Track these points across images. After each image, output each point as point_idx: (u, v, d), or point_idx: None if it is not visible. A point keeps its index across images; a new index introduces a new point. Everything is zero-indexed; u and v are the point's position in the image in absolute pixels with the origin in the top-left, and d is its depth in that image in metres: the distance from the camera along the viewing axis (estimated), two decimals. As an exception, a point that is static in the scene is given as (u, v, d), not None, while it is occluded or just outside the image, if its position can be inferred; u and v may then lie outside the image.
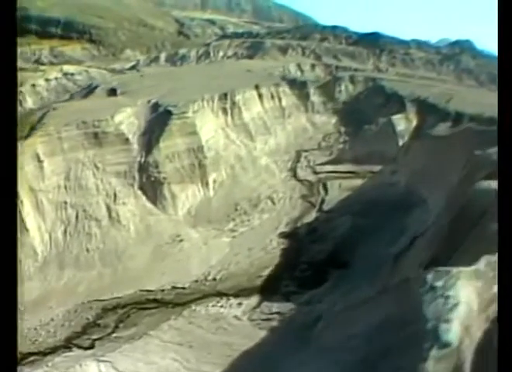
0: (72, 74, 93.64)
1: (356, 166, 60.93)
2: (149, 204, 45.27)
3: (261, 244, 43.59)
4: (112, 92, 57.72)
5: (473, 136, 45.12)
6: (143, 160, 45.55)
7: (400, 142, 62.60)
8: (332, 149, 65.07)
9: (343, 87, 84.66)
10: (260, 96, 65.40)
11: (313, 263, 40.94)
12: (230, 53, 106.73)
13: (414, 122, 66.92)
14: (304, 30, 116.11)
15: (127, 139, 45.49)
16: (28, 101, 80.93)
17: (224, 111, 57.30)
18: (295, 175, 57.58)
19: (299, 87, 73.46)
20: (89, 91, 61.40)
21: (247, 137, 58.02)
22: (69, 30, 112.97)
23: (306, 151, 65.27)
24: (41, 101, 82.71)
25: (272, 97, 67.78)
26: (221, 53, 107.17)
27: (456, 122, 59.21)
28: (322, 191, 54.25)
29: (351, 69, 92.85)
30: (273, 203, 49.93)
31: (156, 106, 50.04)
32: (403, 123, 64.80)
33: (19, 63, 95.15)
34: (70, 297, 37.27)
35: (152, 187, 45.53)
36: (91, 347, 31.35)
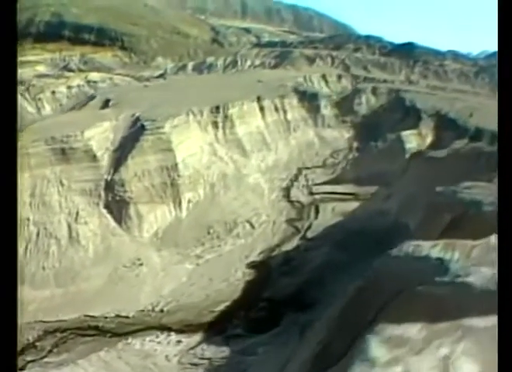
0: (95, 82, 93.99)
1: (357, 187, 55.07)
2: (113, 224, 42.37)
3: (224, 274, 39.40)
4: (106, 104, 56.31)
5: (473, 158, 38.89)
6: (110, 177, 43.30)
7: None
8: (337, 168, 59.63)
9: (363, 100, 78.71)
10: (261, 109, 60.90)
11: (274, 300, 36.11)
12: (257, 62, 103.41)
13: (429, 139, 60.23)
14: (338, 40, 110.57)
15: (95, 156, 42.52)
16: (46, 108, 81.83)
17: (215, 125, 53.36)
18: (287, 195, 52.73)
19: (309, 99, 68.45)
20: (86, 102, 60.50)
21: (239, 153, 53.92)
22: (102, 37, 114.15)
23: (307, 168, 60.12)
24: (60, 109, 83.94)
25: (276, 109, 63.18)
26: (248, 62, 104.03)
27: (474, 139, 52.14)
28: (312, 215, 49.09)
29: (379, 80, 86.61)
30: (252, 227, 45.60)
31: (137, 120, 47.62)
32: (415, 140, 58.14)
33: (46, 70, 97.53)
34: (19, 315, 35.64)
35: (118, 206, 42.32)
36: (23, 369, 29.77)
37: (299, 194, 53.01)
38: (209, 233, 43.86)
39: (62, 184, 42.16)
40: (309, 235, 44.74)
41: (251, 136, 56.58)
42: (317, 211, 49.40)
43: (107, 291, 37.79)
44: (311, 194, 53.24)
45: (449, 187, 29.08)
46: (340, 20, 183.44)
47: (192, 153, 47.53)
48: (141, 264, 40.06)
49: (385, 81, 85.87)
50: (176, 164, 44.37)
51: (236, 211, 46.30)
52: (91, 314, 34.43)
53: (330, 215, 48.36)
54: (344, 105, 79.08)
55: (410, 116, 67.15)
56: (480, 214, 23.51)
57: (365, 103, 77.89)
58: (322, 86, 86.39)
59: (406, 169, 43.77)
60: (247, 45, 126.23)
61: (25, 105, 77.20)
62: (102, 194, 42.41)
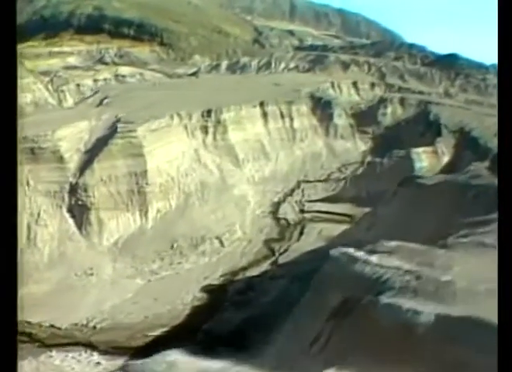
0: (124, 76, 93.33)
1: (355, 208, 49.41)
2: (73, 230, 40.04)
3: (173, 296, 35.96)
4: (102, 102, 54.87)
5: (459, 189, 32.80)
6: (75, 180, 41.38)
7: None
8: (341, 183, 54.34)
9: (389, 110, 72.33)
10: (264, 114, 56.82)
11: (213, 334, 32.61)
12: (292, 65, 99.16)
13: (445, 158, 53.31)
14: (380, 47, 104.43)
15: (62, 157, 40.20)
16: (68, 101, 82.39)
17: (204, 129, 49.82)
18: (275, 211, 48.64)
19: (322, 107, 63.35)
20: (87, 98, 59.57)
21: (230, 161, 50.15)
22: (141, 32, 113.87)
23: (308, 182, 55.24)
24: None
25: (282, 116, 58.60)
26: (283, 65, 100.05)
27: (495, 162, 45.27)
28: (295, 237, 44.42)
29: (414, 91, 79.75)
30: (221, 245, 41.85)
31: (117, 122, 45.12)
32: (427, 158, 51.53)
33: (77, 61, 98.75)
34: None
35: (80, 211, 40.29)
36: None
37: (288, 210, 48.47)
38: (172, 248, 40.79)
39: (28, 184, 40.90)
40: (282, 260, 40.28)
41: (247, 144, 52.63)
42: (301, 233, 44.71)
43: (52, 298, 35.91)
44: (302, 211, 48.55)
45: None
46: (389, 27, 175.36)
47: (170, 158, 44.50)
48: (91, 274, 37.89)
49: (420, 93, 78.82)
50: (145, 171, 41.42)
51: (209, 226, 42.81)
52: (30, 320, 32.77)
53: (314, 238, 43.52)
54: (368, 114, 73.34)
55: (432, 131, 60.61)
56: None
57: (390, 114, 71.66)
58: (351, 93, 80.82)
59: (395, 195, 38.20)
60: (289, 47, 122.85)
61: (45, 96, 78.42)
62: (66, 197, 40.51)
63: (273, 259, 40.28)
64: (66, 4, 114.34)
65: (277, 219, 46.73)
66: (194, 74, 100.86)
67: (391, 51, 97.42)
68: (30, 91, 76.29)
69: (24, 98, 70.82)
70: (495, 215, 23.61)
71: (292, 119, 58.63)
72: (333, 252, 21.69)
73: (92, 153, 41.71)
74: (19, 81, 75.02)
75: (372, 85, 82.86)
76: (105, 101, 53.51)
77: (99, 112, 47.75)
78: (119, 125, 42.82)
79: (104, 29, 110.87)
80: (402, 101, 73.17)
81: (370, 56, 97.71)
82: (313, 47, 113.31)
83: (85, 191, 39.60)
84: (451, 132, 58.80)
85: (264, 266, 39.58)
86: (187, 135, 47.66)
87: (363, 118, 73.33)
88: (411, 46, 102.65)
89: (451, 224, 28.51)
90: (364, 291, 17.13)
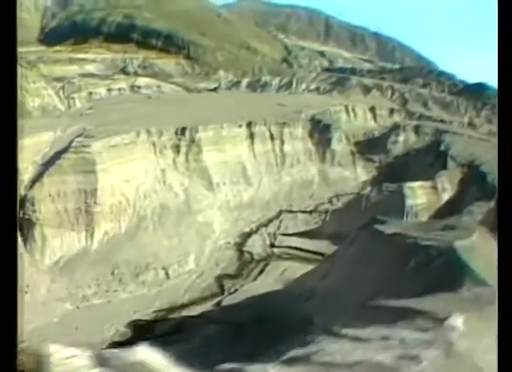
0: (139, 87, 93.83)
1: (332, 246, 45.04)
2: (19, 244, 39.29)
3: (95, 327, 33.01)
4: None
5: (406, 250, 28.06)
6: (25, 193, 40.00)
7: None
8: (327, 216, 49.92)
9: (401, 138, 67.13)
10: (251, 135, 53.94)
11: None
12: (312, 86, 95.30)
13: (446, 195, 47.65)
14: (408, 73, 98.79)
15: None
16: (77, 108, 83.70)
17: (176, 148, 47.09)
18: (242, 243, 44.94)
19: (320, 131, 59.24)
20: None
21: (202, 185, 47.33)
22: (169, 44, 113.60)
23: (290, 212, 50.96)
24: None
25: (272, 138, 54.91)
26: (303, 85, 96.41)
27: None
28: (253, 275, 40.15)
29: (435, 119, 74.21)
30: (167, 276, 38.44)
31: (80, 135, 43.65)
32: (424, 194, 46.09)
33: (96, 69, 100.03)
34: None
35: (26, 225, 38.85)
36: None
37: (257, 243, 44.53)
38: (112, 274, 37.98)
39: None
40: (227, 301, 36.50)
41: (225, 166, 49.22)
42: (262, 271, 40.70)
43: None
44: (272, 246, 44.73)
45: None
46: (423, 54, 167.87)
47: (129, 177, 42.34)
48: (27, 292, 35.99)
49: (442, 121, 73.08)
50: (95, 189, 39.45)
51: (158, 254, 39.74)
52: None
53: (273, 279, 39.24)
54: (379, 141, 68.46)
55: (439, 163, 55.19)
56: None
57: (402, 142, 66.50)
58: (367, 118, 76.34)
59: (353, 240, 33.64)
60: (318, 68, 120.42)
61: (55, 102, 79.41)
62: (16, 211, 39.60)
63: (219, 299, 36.74)
64: (98, 11, 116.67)
65: (241, 252, 42.98)
66: (214, 89, 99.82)
67: (419, 77, 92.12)
68: (40, 96, 77.21)
69: (32, 103, 71.79)
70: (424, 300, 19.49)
71: (282, 142, 55.05)
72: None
73: (47, 166, 40.38)
74: (29, 86, 76.49)
75: (391, 111, 78.00)
76: (87, 112, 52.59)
77: (68, 124, 46.35)
78: (77, 139, 40.97)
79: (132, 39, 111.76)
80: (416, 129, 67.85)
81: (397, 81, 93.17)
82: (341, 70, 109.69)
83: (32, 205, 37.74)
84: (459, 166, 53.23)
85: (207, 306, 35.94)
86: (154, 153, 45.25)
87: (372, 145, 68.67)
88: (440, 73, 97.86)
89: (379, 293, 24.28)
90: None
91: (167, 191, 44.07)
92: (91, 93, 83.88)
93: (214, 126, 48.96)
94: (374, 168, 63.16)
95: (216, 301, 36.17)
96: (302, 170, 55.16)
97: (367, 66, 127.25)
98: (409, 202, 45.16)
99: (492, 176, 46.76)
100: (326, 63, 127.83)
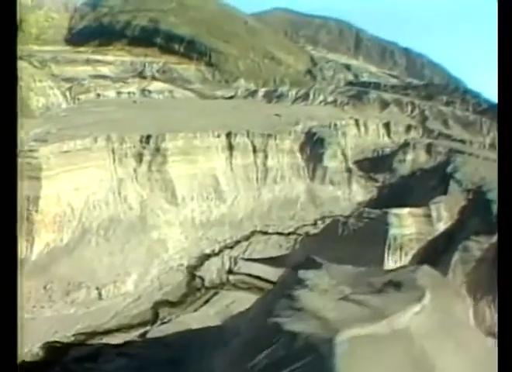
0: (150, 92, 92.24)
1: (297, 277, 40.17)
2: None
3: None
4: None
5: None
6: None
7: (390, 256, 38.88)
8: (297, 242, 44.69)
9: (409, 157, 60.84)
10: (230, 147, 49.73)
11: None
12: (330, 98, 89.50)
13: (440, 225, 41.32)
14: (433, 89, 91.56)
15: None
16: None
17: (139, 157, 43.17)
18: (197, 267, 40.45)
19: (313, 145, 53.97)
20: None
21: (165, 198, 43.55)
22: (191, 49, 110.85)
23: (264, 234, 46.36)
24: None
25: (255, 151, 50.65)
26: (321, 97, 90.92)
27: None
28: (196, 305, 35.23)
29: (454, 139, 67.75)
30: (99, 297, 34.61)
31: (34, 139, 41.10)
32: (414, 223, 39.91)
33: (111, 72, 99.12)
34: None
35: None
36: None
37: (214, 267, 40.01)
38: (45, 288, 35.18)
39: None
40: (154, 333, 32.22)
41: (195, 179, 45.29)
42: (207, 301, 36.29)
43: None
44: (230, 272, 40.25)
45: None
46: (453, 72, 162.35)
47: (80, 186, 39.37)
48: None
49: (461, 141, 66.24)
50: (38, 197, 36.90)
51: (95, 271, 36.34)
52: None
53: (215, 311, 34.13)
54: (386, 159, 62.50)
55: (443, 186, 48.84)
56: None
57: (411, 161, 60.26)
58: (380, 134, 70.76)
59: (285, 278, 28.61)
60: (341, 81, 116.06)
61: (59, 102, 78.80)
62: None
63: (147, 328, 32.82)
64: (125, 13, 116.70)
65: (192, 277, 38.58)
66: (231, 97, 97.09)
67: (443, 95, 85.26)
68: (45, 96, 76.79)
69: (36, 102, 71.47)
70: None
71: (266, 156, 50.32)
72: None
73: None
74: (35, 85, 76.37)
75: (408, 128, 72.00)
76: (62, 114, 50.68)
77: (34, 125, 44.52)
78: (29, 143, 38.79)
79: (155, 43, 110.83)
80: (428, 148, 61.37)
81: (420, 98, 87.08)
82: (364, 84, 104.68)
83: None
84: (464, 191, 46.67)
85: (132, 335, 32.25)
86: (113, 161, 42.18)
87: (378, 162, 62.89)
88: (465, 91, 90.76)
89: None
90: None
91: (120, 202, 40.63)
92: (98, 95, 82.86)
93: (184, 135, 45.12)
94: (375, 188, 57.42)
95: (141, 331, 32.29)
96: (286, 187, 50.22)
97: (392, 81, 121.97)
98: (393, 232, 39.24)
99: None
100: (350, 77, 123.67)
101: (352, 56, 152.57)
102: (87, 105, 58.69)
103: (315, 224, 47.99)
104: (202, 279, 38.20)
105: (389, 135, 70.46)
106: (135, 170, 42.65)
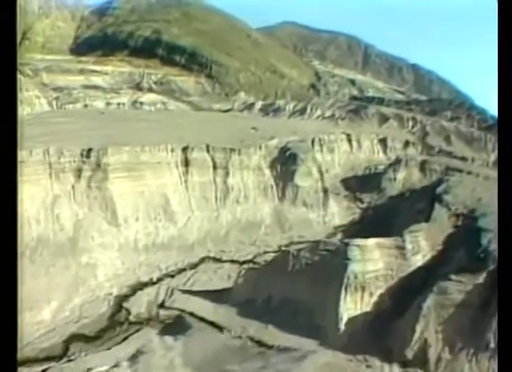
0: (141, 103, 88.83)
1: (238, 317, 34.66)
2: None
3: None
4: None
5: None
6: None
7: (347, 296, 32.63)
8: (240, 275, 39.17)
9: (400, 175, 54.75)
10: (186, 163, 44.93)
11: None
12: (328, 113, 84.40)
13: (419, 258, 34.97)
14: (437, 105, 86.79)
15: None
16: (68, 119, 79.95)
17: (78, 173, 38.84)
18: (126, 297, 35.75)
19: (284, 161, 48.65)
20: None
21: (104, 217, 38.79)
22: (192, 61, 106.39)
23: (217, 261, 41.41)
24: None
25: (215, 167, 45.76)
26: (318, 112, 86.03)
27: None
28: (111, 342, 30.30)
29: (455, 156, 61.44)
30: (3, 330, 31.16)
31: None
32: (380, 258, 33.38)
33: (105, 82, 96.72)
34: None
35: None
36: None
37: (146, 299, 35.35)
38: None
39: None
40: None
41: (140, 198, 40.79)
42: (126, 338, 31.52)
43: None
44: (161, 306, 35.37)
45: None
46: (461, 89, 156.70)
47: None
48: None
49: (462, 159, 59.81)
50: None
51: (6, 300, 32.70)
52: None
53: (126, 353, 30.23)
54: (375, 177, 56.66)
55: (431, 210, 42.47)
56: None
57: (402, 180, 54.22)
58: (375, 150, 65.13)
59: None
60: (346, 96, 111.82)
61: (45, 111, 76.42)
62: None
63: (51, 364, 28.38)
64: (129, 23, 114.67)
65: (118, 308, 34.20)
66: (227, 110, 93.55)
67: (448, 110, 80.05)
68: (30, 105, 75.19)
69: (21, 111, 69.67)
70: None
71: (227, 173, 45.59)
72: None
73: None
74: (21, 94, 74.74)
75: (406, 144, 65.92)
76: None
77: None
78: None
79: (157, 54, 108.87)
80: (422, 166, 55.18)
81: (423, 113, 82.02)
82: (368, 99, 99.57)
83: None
84: (452, 215, 40.34)
85: (37, 370, 27.99)
86: (49, 176, 38.48)
87: (367, 181, 57.07)
88: (471, 107, 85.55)
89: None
90: None
91: (52, 222, 36.69)
92: (86, 105, 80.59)
93: (131, 149, 41.01)
94: (358, 210, 51.60)
95: (46, 366, 27.99)
96: (249, 208, 44.89)
97: (397, 97, 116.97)
98: (353, 268, 33.26)
99: (491, 236, 33.94)
100: (355, 92, 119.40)
101: (360, 72, 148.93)
102: (47, 115, 55.74)
103: (279, 251, 42.58)
104: (129, 312, 33.49)
105: (385, 151, 64.68)
106: (73, 187, 38.64)
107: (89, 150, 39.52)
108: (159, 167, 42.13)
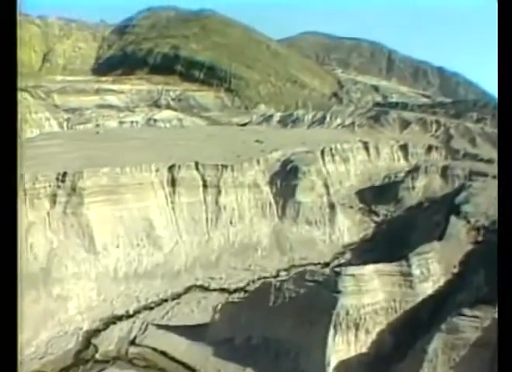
0: (155, 121, 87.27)
1: (213, 357, 30.67)
2: None
3: None
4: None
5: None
6: None
7: (336, 337, 27.79)
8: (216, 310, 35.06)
9: (419, 183, 49.53)
10: (172, 183, 41.60)
11: None
12: (348, 121, 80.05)
13: (429, 285, 30.00)
14: (461, 107, 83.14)
15: None
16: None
17: (53, 198, 35.88)
18: (96, 332, 32.56)
19: (285, 176, 44.28)
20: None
21: (82, 245, 36.28)
22: (211, 76, 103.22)
23: (205, 290, 37.61)
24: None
25: (205, 186, 42.45)
26: (338, 120, 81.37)
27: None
28: None
29: (481, 159, 55.61)
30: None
31: None
32: (380, 288, 28.67)
33: (120, 101, 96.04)
34: None
35: None
36: None
37: (117, 335, 32.26)
38: None
39: None
40: None
41: (120, 223, 38.00)
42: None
43: None
44: (131, 343, 31.96)
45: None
46: (488, 90, 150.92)
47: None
48: None
49: (487, 161, 53.95)
50: None
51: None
52: None
53: None
54: (392, 187, 51.61)
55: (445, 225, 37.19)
56: None
57: (422, 188, 48.92)
58: (395, 157, 60.17)
59: None
60: (369, 103, 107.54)
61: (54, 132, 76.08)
62: None
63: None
64: (148, 41, 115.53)
65: (86, 345, 31.35)
66: (245, 124, 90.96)
67: (473, 112, 76.25)
68: (39, 127, 75.25)
69: (30, 133, 69.70)
70: None
71: (219, 192, 42.19)
72: None
73: None
74: (30, 116, 74.90)
75: (429, 149, 60.81)
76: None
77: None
78: None
79: (176, 71, 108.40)
80: (444, 171, 49.76)
81: (447, 116, 77.18)
82: (391, 104, 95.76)
83: None
84: (472, 229, 34.89)
85: None
86: (24, 203, 36.25)
87: (385, 191, 52.13)
88: (496, 106, 76.97)
89: None
90: None
91: (26, 251, 34.58)
92: (98, 125, 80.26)
93: (110, 171, 38.44)
94: (372, 224, 46.67)
95: None
96: (244, 229, 41.08)
97: (422, 100, 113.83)
98: (344, 302, 28.44)
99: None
100: (378, 98, 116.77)
101: (384, 78, 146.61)
102: (39, 137, 54.71)
103: (277, 276, 38.56)
104: (96, 349, 30.46)
105: (406, 157, 59.86)
106: (48, 214, 36.46)
107: (64, 174, 37.22)
108: (141, 189, 39.23)
